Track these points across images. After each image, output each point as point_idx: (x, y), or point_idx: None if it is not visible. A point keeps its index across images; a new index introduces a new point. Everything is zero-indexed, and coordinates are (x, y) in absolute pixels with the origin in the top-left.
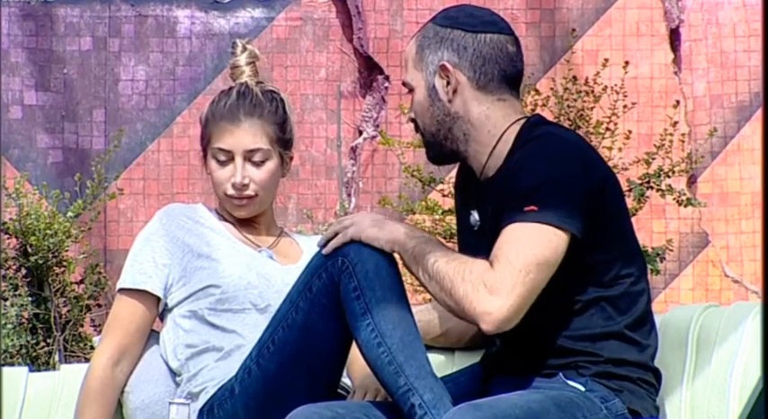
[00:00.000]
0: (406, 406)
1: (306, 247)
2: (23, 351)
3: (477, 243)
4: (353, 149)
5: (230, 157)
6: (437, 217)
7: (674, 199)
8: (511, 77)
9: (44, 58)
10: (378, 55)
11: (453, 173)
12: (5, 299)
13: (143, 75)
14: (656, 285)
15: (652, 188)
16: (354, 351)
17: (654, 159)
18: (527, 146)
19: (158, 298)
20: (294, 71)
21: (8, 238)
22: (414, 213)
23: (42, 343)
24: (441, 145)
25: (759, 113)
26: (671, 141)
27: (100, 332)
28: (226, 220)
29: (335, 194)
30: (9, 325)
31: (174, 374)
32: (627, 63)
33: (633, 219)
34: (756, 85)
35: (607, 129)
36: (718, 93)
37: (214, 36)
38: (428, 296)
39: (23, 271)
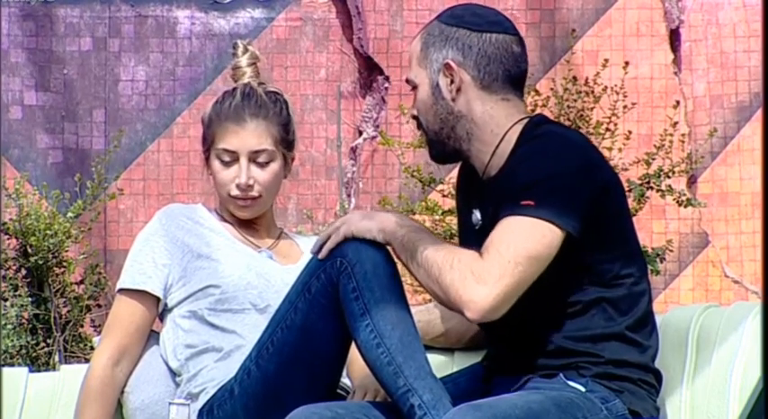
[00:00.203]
0: (406, 407)
1: (305, 248)
2: (23, 351)
3: (478, 242)
4: (353, 150)
5: (235, 158)
6: (437, 217)
7: (674, 199)
8: (515, 77)
9: (44, 59)
10: (378, 55)
11: (453, 173)
12: (5, 300)
13: (143, 76)
14: (656, 285)
15: (652, 188)
16: (354, 351)
17: (654, 159)
18: (529, 143)
19: (158, 299)
20: (294, 71)
21: (8, 239)
22: (414, 213)
23: (42, 344)
24: (443, 143)
25: (759, 114)
26: (671, 141)
27: (100, 332)
28: (225, 221)
29: (335, 195)
30: (9, 326)
31: (173, 374)
32: (627, 63)
33: (633, 220)
34: (756, 86)
35: (607, 129)
36: (718, 93)
37: (214, 36)
38: (428, 296)
39: (23, 271)
